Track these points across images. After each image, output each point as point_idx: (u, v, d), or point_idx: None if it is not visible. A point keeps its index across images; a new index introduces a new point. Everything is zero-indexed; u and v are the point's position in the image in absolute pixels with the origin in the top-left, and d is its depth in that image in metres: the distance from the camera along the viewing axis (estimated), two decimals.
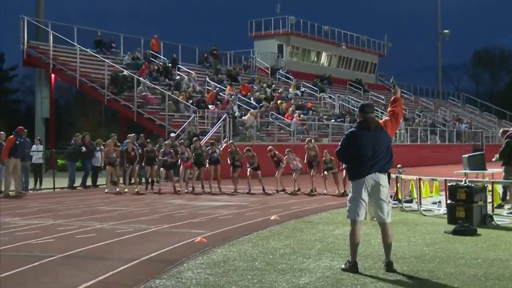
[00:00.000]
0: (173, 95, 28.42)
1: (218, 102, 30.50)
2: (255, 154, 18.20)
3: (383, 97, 47.76)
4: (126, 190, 18.27)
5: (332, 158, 17.05)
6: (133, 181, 19.20)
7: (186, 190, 18.20)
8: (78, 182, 20.36)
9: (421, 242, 8.72)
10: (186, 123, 25.97)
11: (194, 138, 20.39)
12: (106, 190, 18.40)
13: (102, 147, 20.54)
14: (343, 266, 6.85)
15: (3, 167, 17.49)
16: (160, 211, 13.21)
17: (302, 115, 33.29)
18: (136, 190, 18.23)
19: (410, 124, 41.41)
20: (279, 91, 37.88)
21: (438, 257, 7.52)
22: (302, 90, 41.79)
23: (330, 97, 42.30)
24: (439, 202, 13.07)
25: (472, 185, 10.56)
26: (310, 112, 35.66)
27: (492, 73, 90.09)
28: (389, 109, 7.29)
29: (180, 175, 18.60)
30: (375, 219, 6.94)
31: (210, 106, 29.30)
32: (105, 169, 19.46)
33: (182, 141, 20.34)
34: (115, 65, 29.96)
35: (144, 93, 28.29)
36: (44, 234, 9.70)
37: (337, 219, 11.35)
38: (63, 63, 29.86)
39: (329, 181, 17.45)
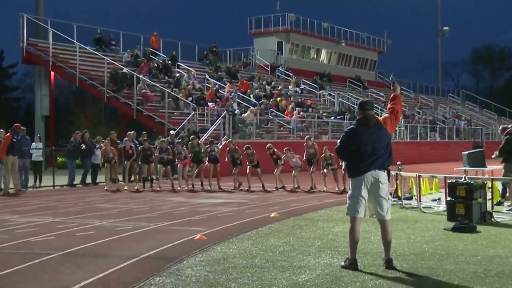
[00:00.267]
0: (172, 93, 28.39)
1: (217, 100, 30.45)
2: (254, 152, 18.20)
3: (383, 94, 47.78)
4: (125, 187, 18.31)
5: (332, 154, 17.06)
6: (132, 178, 19.23)
7: (186, 188, 18.22)
8: (77, 179, 20.35)
9: (420, 239, 8.72)
10: (186, 120, 25.95)
11: (192, 136, 20.37)
12: (105, 188, 18.42)
13: (101, 144, 20.52)
14: (342, 263, 6.85)
15: (1, 165, 17.48)
16: (160, 209, 13.21)
17: (301, 113, 33.27)
18: (135, 187, 18.27)
19: (409, 121, 41.39)
20: (279, 88, 37.82)
21: (438, 254, 7.52)
22: (301, 87, 41.79)
23: (330, 94, 42.26)
24: (439, 199, 13.09)
25: (472, 182, 10.57)
26: (310, 109, 35.63)
27: (492, 70, 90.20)
28: (388, 106, 7.29)
29: (179, 173, 18.65)
30: (374, 216, 6.94)
31: (209, 104, 29.26)
32: (104, 168, 19.47)
33: (179, 140, 20.30)
34: (114, 62, 29.90)
35: (143, 91, 28.27)
36: (43, 232, 9.70)
37: (336, 216, 11.35)
38: (63, 61, 29.83)
39: (328, 178, 17.47)
